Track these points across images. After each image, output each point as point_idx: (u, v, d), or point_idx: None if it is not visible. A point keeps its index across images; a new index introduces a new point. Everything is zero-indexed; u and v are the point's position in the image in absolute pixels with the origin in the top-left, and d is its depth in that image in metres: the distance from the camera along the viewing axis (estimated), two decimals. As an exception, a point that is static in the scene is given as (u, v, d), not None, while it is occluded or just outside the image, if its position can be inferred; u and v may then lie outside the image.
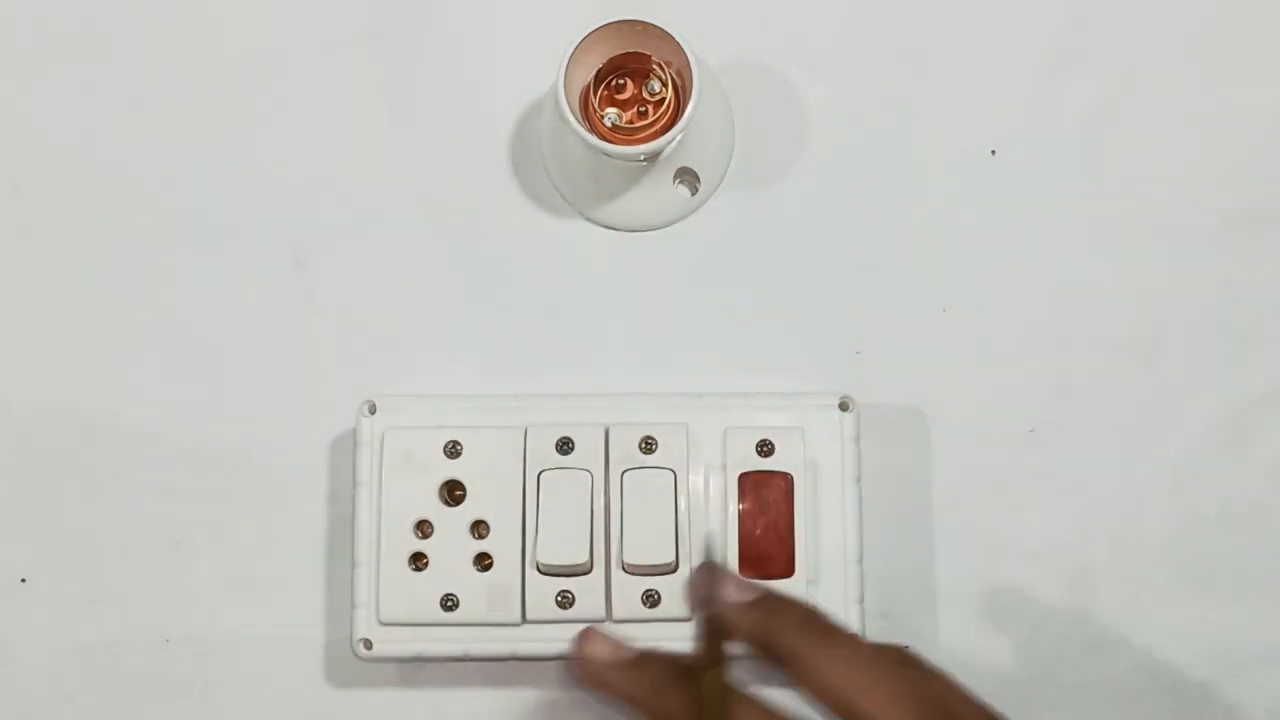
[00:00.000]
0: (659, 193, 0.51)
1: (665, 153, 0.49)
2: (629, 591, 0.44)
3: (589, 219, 0.51)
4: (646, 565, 0.44)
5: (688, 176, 0.51)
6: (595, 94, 0.48)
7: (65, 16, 0.52)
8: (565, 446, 0.45)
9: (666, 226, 0.51)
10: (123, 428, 0.50)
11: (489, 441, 0.46)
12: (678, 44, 0.46)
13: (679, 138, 0.47)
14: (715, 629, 0.37)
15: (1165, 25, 0.52)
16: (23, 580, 0.50)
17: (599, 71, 0.48)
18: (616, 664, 0.38)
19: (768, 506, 0.44)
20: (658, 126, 0.48)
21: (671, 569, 0.44)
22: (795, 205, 0.51)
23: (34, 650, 0.49)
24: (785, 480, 0.45)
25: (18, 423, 0.51)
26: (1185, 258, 0.51)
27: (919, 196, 0.51)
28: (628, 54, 0.48)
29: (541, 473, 0.45)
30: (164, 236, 0.51)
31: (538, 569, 0.44)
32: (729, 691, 0.36)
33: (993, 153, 0.51)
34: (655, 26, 0.46)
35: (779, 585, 0.44)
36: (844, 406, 0.46)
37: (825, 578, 0.45)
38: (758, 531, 0.44)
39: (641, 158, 0.48)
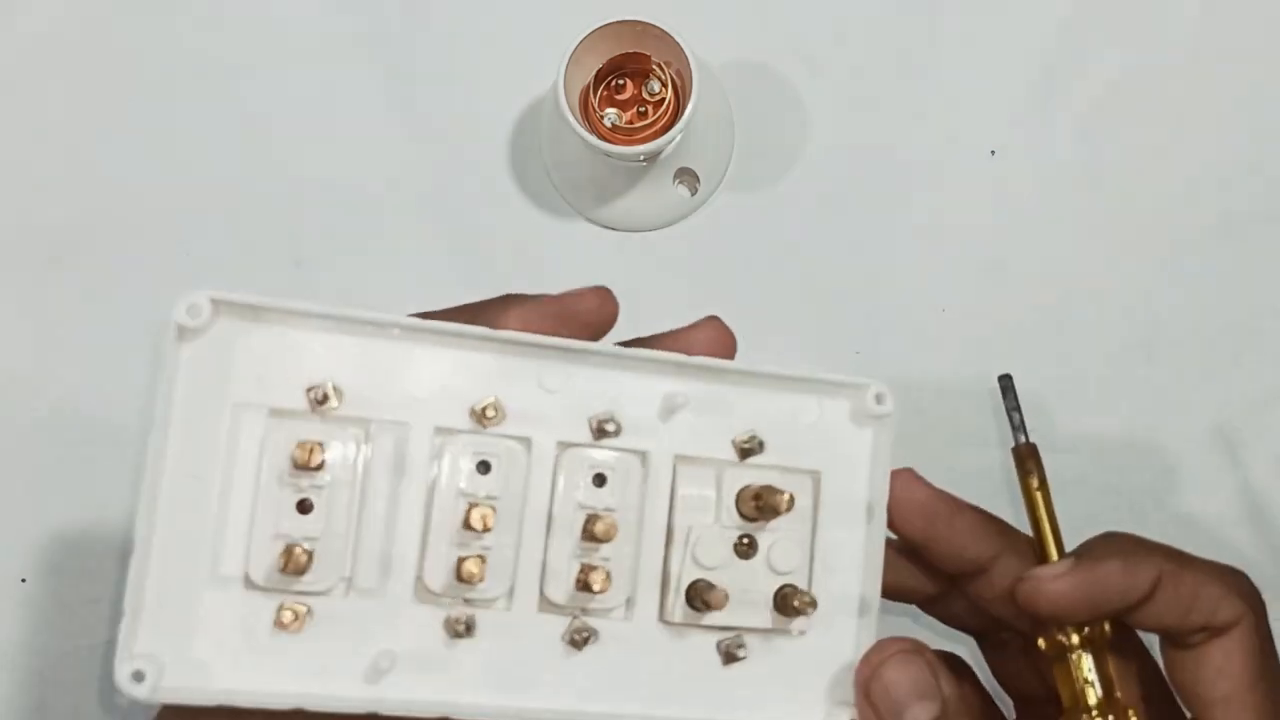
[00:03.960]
0: (659, 193, 0.51)
1: (665, 153, 0.49)
2: None
3: (589, 219, 0.51)
4: None
5: (688, 176, 0.51)
6: (595, 94, 0.48)
7: (64, 15, 0.52)
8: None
9: (666, 226, 0.51)
10: (124, 428, 0.50)
11: None
12: (677, 44, 0.46)
13: (679, 138, 0.47)
14: None
15: (1164, 25, 0.52)
16: (23, 580, 0.50)
17: (599, 71, 0.48)
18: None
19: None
20: (658, 126, 0.48)
21: None
22: (795, 205, 0.51)
23: (34, 650, 0.49)
24: None
25: (18, 422, 0.51)
26: (1185, 258, 0.51)
27: (919, 196, 0.51)
28: (627, 54, 0.48)
29: None
30: (164, 237, 0.51)
31: None
32: None
33: (992, 153, 0.52)
34: (655, 26, 0.46)
35: None
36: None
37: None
38: None
39: (641, 158, 0.48)
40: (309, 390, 0.31)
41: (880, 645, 0.33)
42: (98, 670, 0.49)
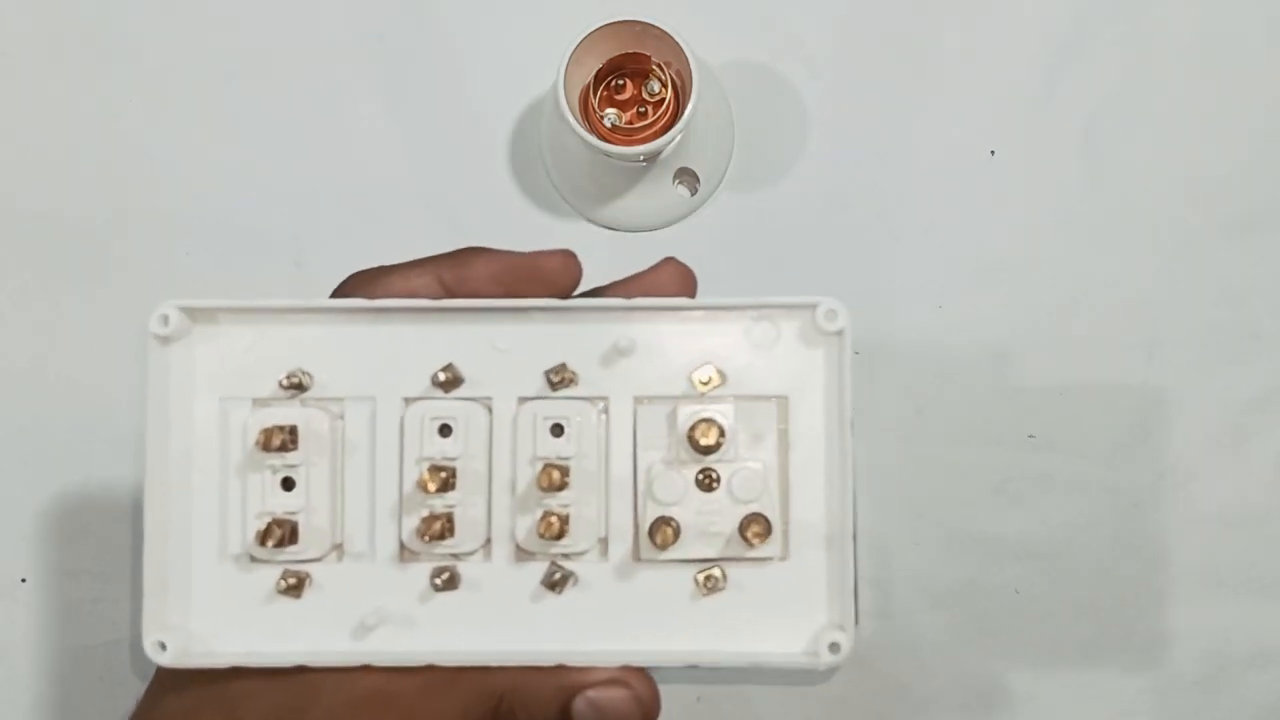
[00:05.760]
0: (659, 193, 0.51)
1: (665, 153, 0.49)
2: None
3: (589, 219, 0.51)
4: None
5: (688, 176, 0.51)
6: (595, 94, 0.48)
7: (64, 14, 0.52)
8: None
9: (666, 226, 0.51)
10: (123, 427, 0.50)
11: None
12: (677, 44, 0.46)
13: (679, 138, 0.47)
14: None
15: (1165, 26, 0.52)
16: (23, 580, 0.50)
17: (599, 71, 0.48)
18: None
19: None
20: (657, 127, 0.48)
21: None
22: (795, 205, 0.51)
23: (34, 650, 0.50)
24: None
25: (18, 421, 0.51)
26: (1185, 258, 0.51)
27: (919, 196, 0.51)
28: (627, 54, 0.48)
29: None
30: (164, 236, 0.51)
31: None
32: None
33: (992, 153, 0.52)
34: (655, 27, 0.46)
35: None
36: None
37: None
38: None
39: (641, 158, 0.48)
40: (284, 378, 0.33)
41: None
42: (99, 669, 0.49)
